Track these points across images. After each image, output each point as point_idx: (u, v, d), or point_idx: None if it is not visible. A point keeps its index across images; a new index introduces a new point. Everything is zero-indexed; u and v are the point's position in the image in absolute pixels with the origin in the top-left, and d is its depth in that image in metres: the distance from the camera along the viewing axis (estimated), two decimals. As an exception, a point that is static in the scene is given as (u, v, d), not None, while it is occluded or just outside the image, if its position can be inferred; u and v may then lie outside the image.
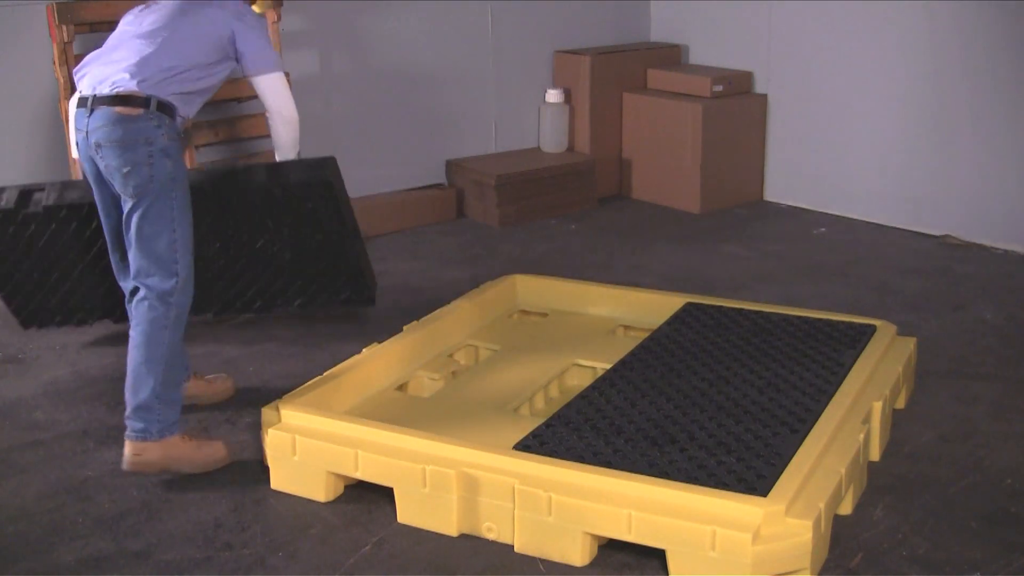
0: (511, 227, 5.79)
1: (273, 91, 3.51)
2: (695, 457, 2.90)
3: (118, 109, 3.13)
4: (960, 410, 3.63)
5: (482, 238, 5.65)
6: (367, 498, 3.08)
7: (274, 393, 3.60)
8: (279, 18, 5.10)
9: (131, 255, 3.19)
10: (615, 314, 4.13)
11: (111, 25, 4.76)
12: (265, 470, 3.22)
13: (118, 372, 3.63)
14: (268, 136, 5.21)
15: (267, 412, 3.22)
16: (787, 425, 3.06)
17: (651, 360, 3.54)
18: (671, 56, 6.53)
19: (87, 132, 3.18)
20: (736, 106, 6.13)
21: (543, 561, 2.79)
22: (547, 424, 3.11)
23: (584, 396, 3.29)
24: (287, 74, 3.53)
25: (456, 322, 3.94)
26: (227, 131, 5.04)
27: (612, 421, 3.11)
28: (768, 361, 3.51)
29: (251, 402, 3.70)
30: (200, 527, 2.99)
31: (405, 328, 3.82)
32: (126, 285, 3.34)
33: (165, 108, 3.19)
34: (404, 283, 4.94)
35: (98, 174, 3.27)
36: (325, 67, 5.55)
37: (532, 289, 4.30)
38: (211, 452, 3.26)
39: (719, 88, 6.07)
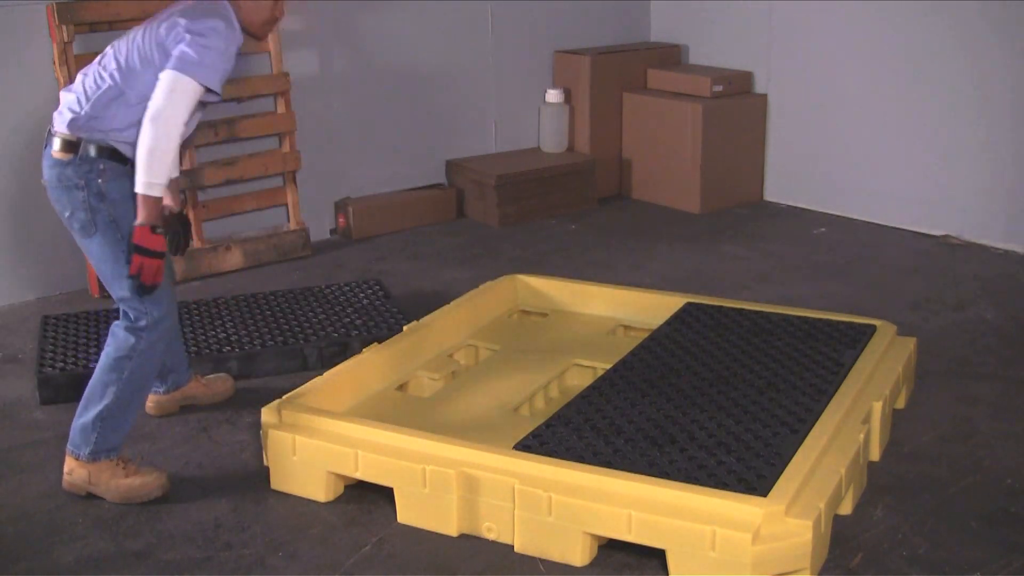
0: (511, 227, 5.79)
1: (169, 89, 2.90)
2: (695, 457, 2.90)
3: (54, 152, 3.03)
4: (960, 410, 3.63)
5: (482, 238, 5.65)
6: (367, 498, 3.08)
7: (274, 393, 3.60)
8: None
9: None
10: (615, 314, 4.13)
11: (111, 25, 4.81)
12: (265, 470, 3.22)
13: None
14: (268, 135, 5.27)
15: (267, 412, 3.21)
16: (787, 425, 3.06)
17: (651, 360, 3.53)
18: (671, 56, 6.53)
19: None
20: (736, 106, 6.13)
21: (543, 561, 2.79)
22: (547, 424, 3.11)
23: (584, 396, 3.29)
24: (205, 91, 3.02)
25: (456, 322, 3.94)
26: (227, 131, 5.05)
27: (612, 421, 3.11)
28: (768, 361, 3.51)
29: (251, 402, 3.70)
30: (200, 527, 2.99)
31: (405, 328, 3.82)
32: None
33: (102, 150, 3.01)
34: (404, 283, 4.94)
35: None
36: (325, 67, 5.55)
37: (532, 289, 4.30)
38: (136, 483, 3.11)
39: (719, 88, 6.07)
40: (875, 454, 3.27)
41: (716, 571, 2.59)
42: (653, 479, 2.75)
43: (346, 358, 3.63)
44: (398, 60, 5.79)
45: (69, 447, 3.13)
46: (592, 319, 4.13)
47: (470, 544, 2.88)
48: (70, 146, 3.00)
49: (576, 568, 2.77)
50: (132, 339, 3.08)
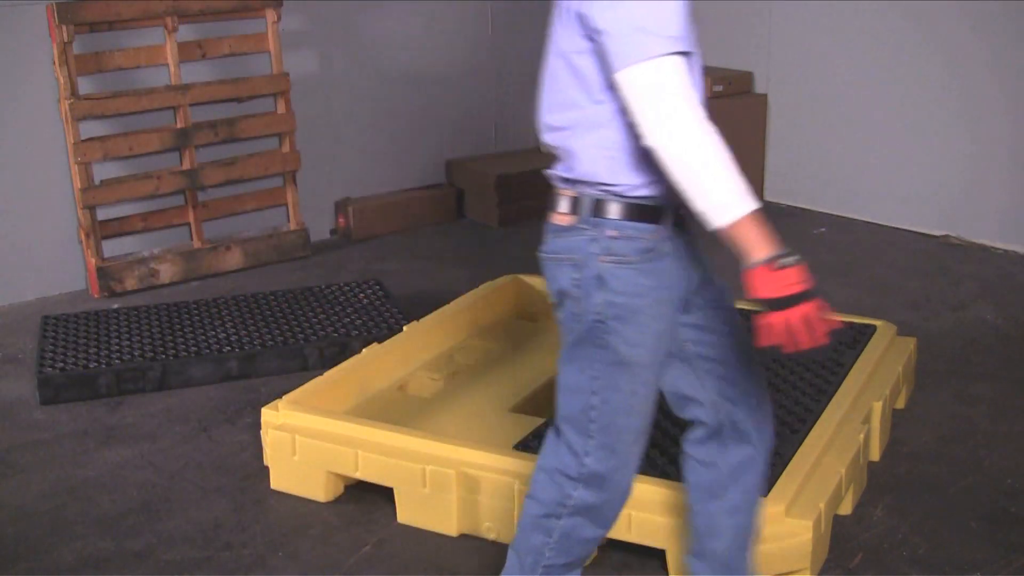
0: (511, 227, 5.79)
1: (641, 95, 1.95)
2: (695, 457, 2.89)
3: (552, 215, 2.24)
4: (960, 410, 3.63)
5: (482, 238, 5.65)
6: (367, 498, 3.08)
7: (274, 393, 3.60)
8: (279, 18, 5.11)
9: None
10: (615, 314, 4.12)
11: (111, 25, 4.81)
12: (265, 470, 3.22)
13: (118, 372, 3.61)
14: (268, 135, 5.27)
15: (267, 412, 3.21)
16: (787, 425, 3.06)
17: (651, 360, 3.53)
18: (671, 56, 6.52)
19: None
20: (736, 106, 6.12)
21: (543, 561, 2.79)
22: (547, 424, 3.10)
23: (584, 396, 3.28)
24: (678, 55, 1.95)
25: (456, 322, 3.94)
26: (227, 131, 5.04)
27: (612, 421, 3.11)
28: (768, 361, 3.51)
29: (251, 402, 3.71)
30: (200, 527, 2.99)
31: (405, 328, 3.81)
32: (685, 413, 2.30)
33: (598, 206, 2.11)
34: (404, 283, 4.94)
35: None
36: (325, 67, 5.55)
37: (532, 289, 4.29)
38: None
39: (719, 88, 6.07)
40: (875, 454, 3.26)
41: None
42: (653, 479, 2.75)
43: (346, 358, 3.63)
44: (398, 60, 5.79)
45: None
46: (592, 319, 4.12)
47: (470, 544, 2.88)
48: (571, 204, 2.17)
49: (576, 568, 2.76)
50: (554, 490, 2.21)
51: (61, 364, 3.83)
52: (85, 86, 4.77)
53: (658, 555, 2.70)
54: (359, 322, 4.17)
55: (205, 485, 3.21)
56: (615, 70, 1.96)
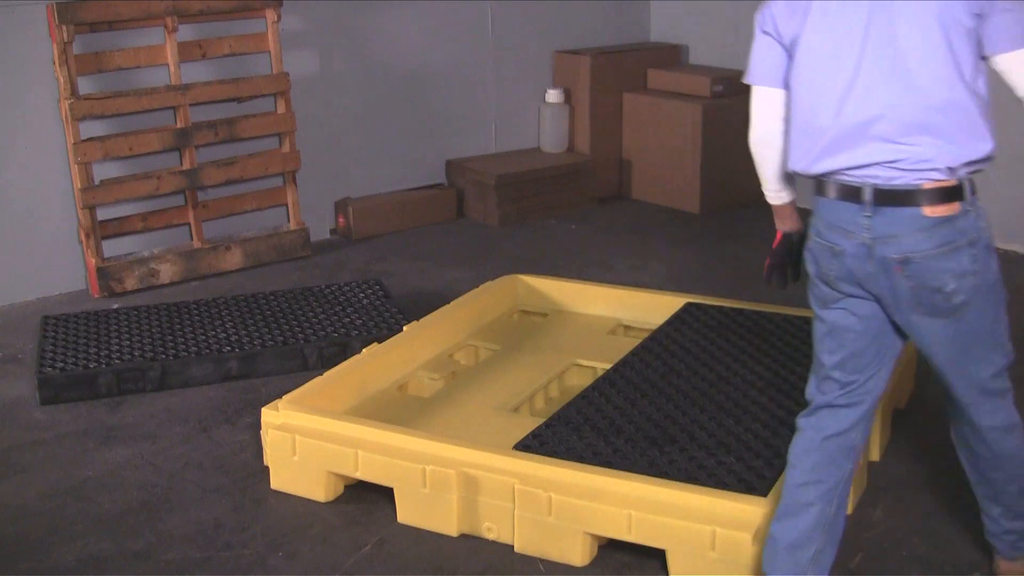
0: (511, 227, 5.79)
1: None
2: (695, 457, 2.90)
3: (927, 210, 2.32)
4: (960, 410, 3.62)
5: (482, 238, 5.65)
6: (367, 498, 3.08)
7: (274, 393, 3.60)
8: (279, 18, 5.11)
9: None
10: (615, 314, 4.13)
11: (111, 25, 4.81)
12: (265, 470, 3.22)
13: (118, 372, 3.61)
14: (268, 135, 5.26)
15: (267, 412, 3.21)
16: (787, 425, 3.06)
17: (651, 360, 3.53)
18: (671, 56, 6.53)
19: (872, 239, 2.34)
20: (736, 106, 6.11)
21: (543, 561, 2.79)
22: (547, 424, 3.11)
23: (584, 396, 3.29)
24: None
25: (456, 322, 3.94)
26: (227, 131, 5.05)
27: (612, 421, 3.11)
28: (768, 361, 3.51)
29: (251, 402, 3.71)
30: (200, 527, 2.99)
31: (405, 328, 3.82)
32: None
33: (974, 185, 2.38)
34: (404, 283, 4.94)
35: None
36: (325, 67, 5.55)
37: (532, 289, 4.30)
38: None
39: (719, 88, 6.07)
40: (875, 454, 3.27)
41: (716, 571, 2.59)
42: (653, 479, 2.75)
43: (346, 358, 3.63)
44: (398, 60, 5.79)
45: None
46: (592, 319, 4.13)
47: (470, 544, 2.88)
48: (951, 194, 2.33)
49: (576, 568, 2.77)
50: (1014, 414, 2.49)
51: (61, 364, 3.83)
52: (85, 86, 4.77)
53: (658, 555, 2.70)
54: (359, 322, 4.17)
55: (205, 485, 3.21)
56: (1018, 46, 2.28)
